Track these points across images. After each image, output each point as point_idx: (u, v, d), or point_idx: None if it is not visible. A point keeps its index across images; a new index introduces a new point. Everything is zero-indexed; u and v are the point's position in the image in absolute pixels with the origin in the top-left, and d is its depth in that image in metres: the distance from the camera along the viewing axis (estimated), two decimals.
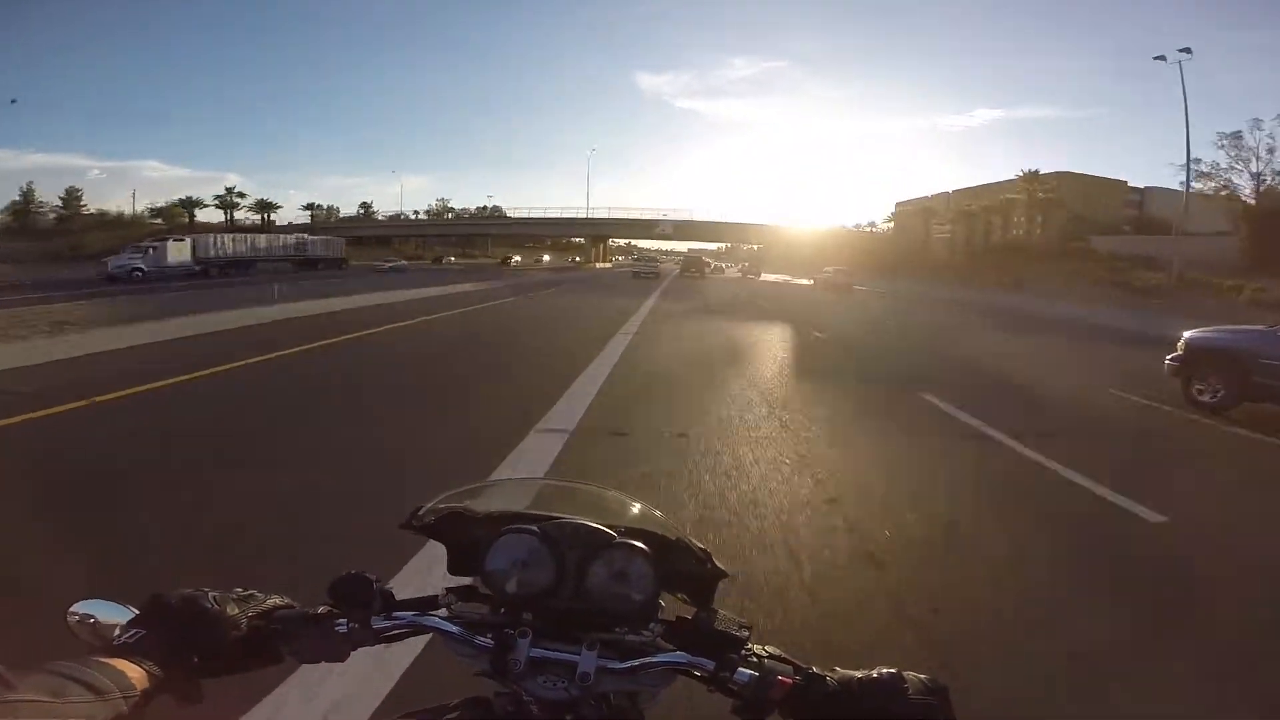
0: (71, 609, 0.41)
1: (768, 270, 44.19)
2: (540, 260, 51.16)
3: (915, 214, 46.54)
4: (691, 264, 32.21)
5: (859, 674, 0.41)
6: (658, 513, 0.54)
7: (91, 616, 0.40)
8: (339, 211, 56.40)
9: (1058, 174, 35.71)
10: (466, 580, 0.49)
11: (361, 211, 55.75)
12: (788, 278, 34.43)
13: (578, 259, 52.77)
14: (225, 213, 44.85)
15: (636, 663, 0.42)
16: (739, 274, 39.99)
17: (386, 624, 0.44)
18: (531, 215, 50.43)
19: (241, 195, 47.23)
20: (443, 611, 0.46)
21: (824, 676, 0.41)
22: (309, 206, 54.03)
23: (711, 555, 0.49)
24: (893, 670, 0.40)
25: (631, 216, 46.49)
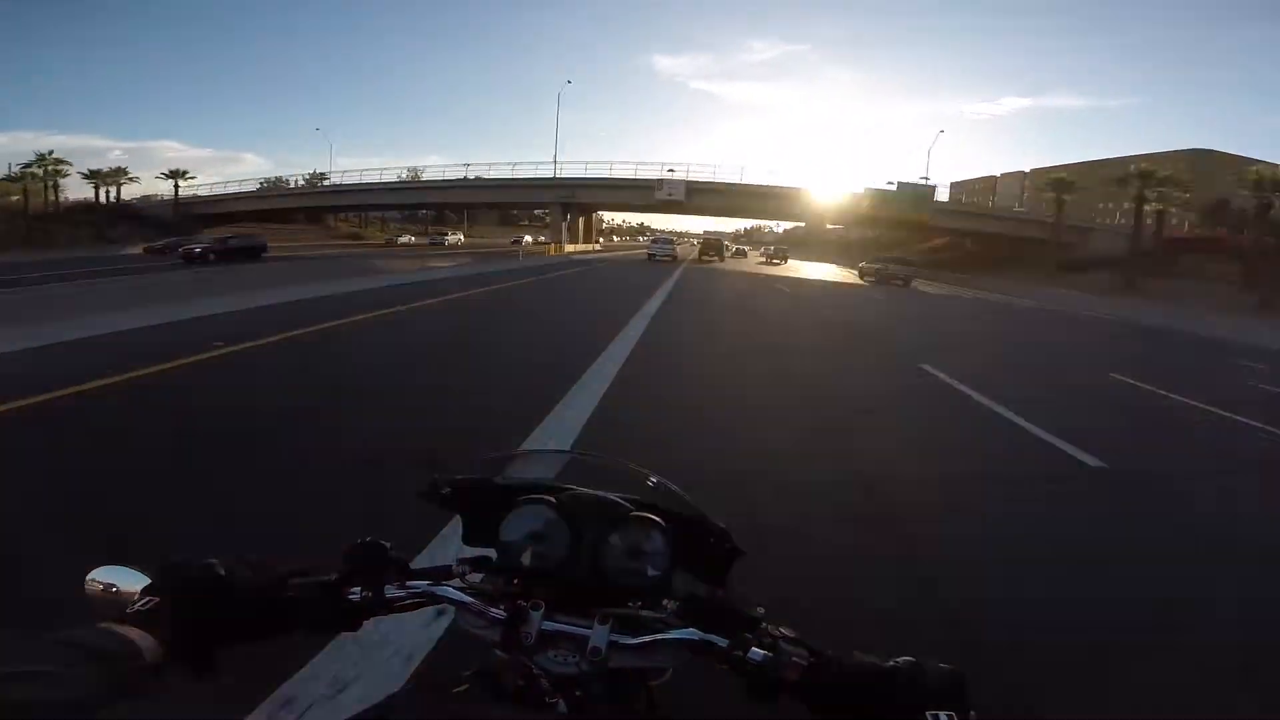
0: (89, 576, 0.43)
1: (798, 256, 40.42)
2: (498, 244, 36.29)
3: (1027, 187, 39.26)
4: (710, 247, 31.95)
5: (874, 659, 0.42)
6: (676, 488, 0.55)
7: (107, 583, 0.43)
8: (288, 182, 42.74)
9: (1194, 151, 29.04)
10: (482, 551, 0.51)
11: (302, 181, 40.55)
12: (825, 268, 30.80)
13: (526, 240, 36.35)
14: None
15: (649, 638, 0.44)
16: (763, 259, 36.06)
17: (400, 593, 0.46)
18: (472, 177, 34.65)
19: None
20: (456, 582, 0.48)
21: (839, 660, 0.43)
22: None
23: (730, 533, 0.51)
24: (910, 659, 0.42)
25: (618, 176, 32.44)
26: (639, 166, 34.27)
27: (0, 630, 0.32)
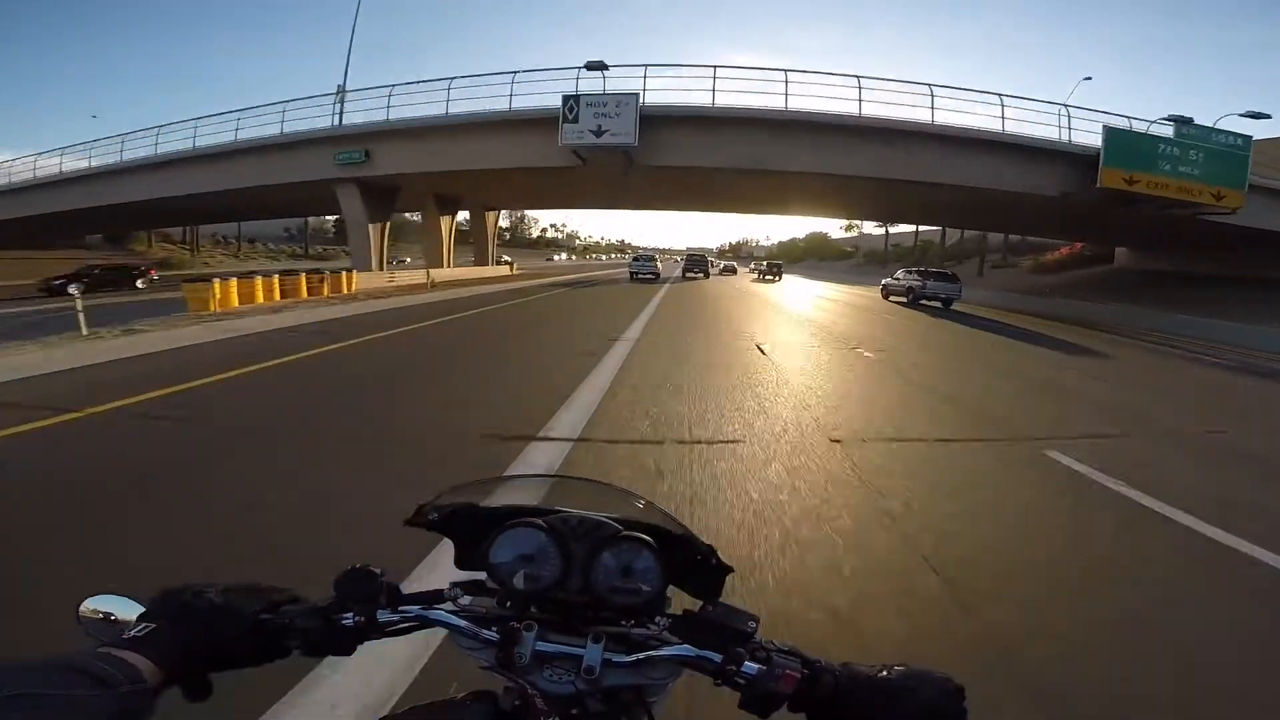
0: (82, 604, 0.48)
1: (795, 274, 39.36)
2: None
3: None
4: (694, 263, 33.24)
5: (869, 669, 0.47)
6: (662, 508, 0.61)
7: (102, 611, 0.47)
8: None
9: None
10: (474, 575, 0.56)
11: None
12: (826, 287, 26.31)
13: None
14: None
15: (642, 656, 0.49)
16: (755, 277, 34.86)
17: (393, 617, 0.51)
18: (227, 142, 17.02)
19: None
20: (449, 605, 0.52)
21: (833, 670, 0.47)
22: None
23: (715, 551, 0.56)
24: (903, 665, 0.46)
25: (467, 111, 15.66)
26: (518, 87, 17.15)
27: (1, 659, 0.35)
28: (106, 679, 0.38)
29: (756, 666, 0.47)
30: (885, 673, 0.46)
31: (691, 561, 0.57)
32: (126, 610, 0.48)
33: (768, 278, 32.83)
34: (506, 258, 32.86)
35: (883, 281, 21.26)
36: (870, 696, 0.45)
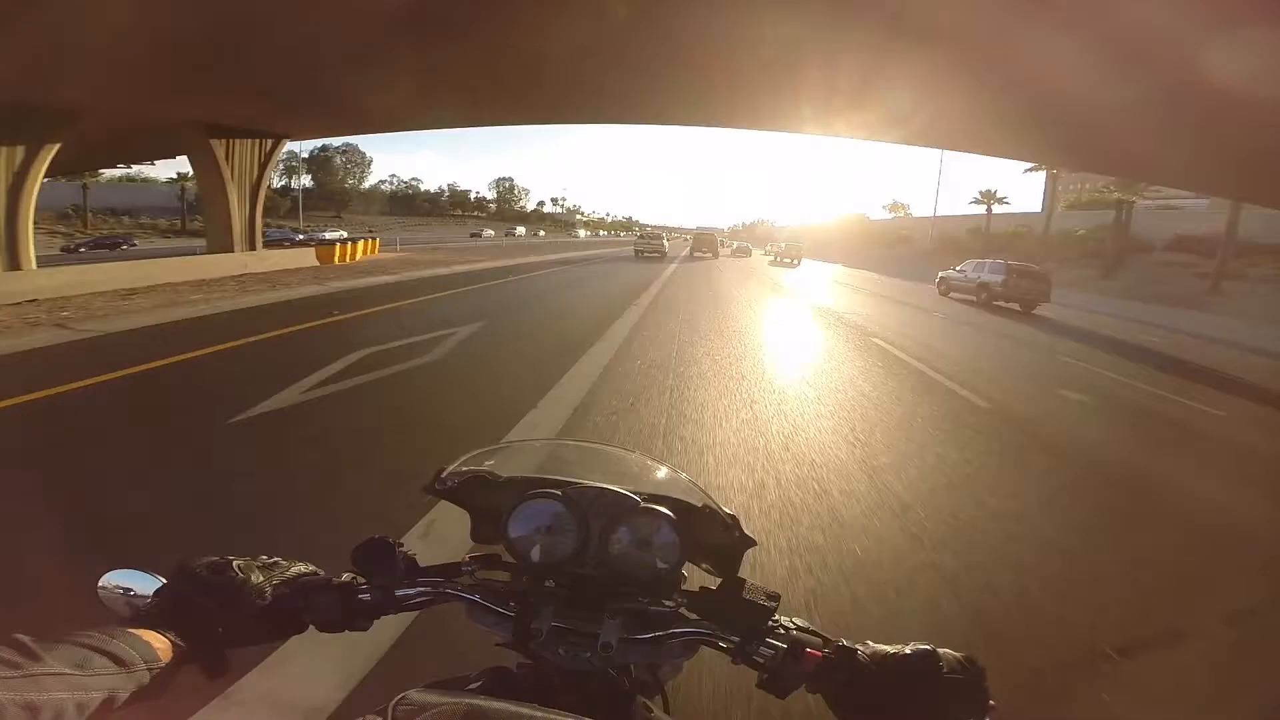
0: (102, 579, 0.50)
1: (816, 257, 36.51)
2: None
3: None
4: (703, 243, 32.97)
5: (891, 649, 0.48)
6: (684, 476, 0.63)
7: (121, 586, 0.50)
8: None
9: None
10: (489, 549, 0.58)
11: None
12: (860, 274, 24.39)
13: None
14: None
15: (660, 634, 0.51)
16: (773, 260, 33.25)
17: (410, 592, 0.54)
18: None
19: None
20: (466, 580, 0.55)
21: (854, 650, 0.48)
22: None
23: (739, 521, 0.58)
24: (927, 646, 0.47)
25: None
26: None
27: (22, 635, 0.38)
28: (125, 659, 0.41)
29: (776, 646, 0.49)
30: (908, 651, 0.48)
31: (711, 535, 0.59)
32: (145, 585, 0.50)
33: (786, 260, 31.91)
34: (343, 233, 29.05)
35: (940, 274, 17.77)
36: (892, 677, 0.47)
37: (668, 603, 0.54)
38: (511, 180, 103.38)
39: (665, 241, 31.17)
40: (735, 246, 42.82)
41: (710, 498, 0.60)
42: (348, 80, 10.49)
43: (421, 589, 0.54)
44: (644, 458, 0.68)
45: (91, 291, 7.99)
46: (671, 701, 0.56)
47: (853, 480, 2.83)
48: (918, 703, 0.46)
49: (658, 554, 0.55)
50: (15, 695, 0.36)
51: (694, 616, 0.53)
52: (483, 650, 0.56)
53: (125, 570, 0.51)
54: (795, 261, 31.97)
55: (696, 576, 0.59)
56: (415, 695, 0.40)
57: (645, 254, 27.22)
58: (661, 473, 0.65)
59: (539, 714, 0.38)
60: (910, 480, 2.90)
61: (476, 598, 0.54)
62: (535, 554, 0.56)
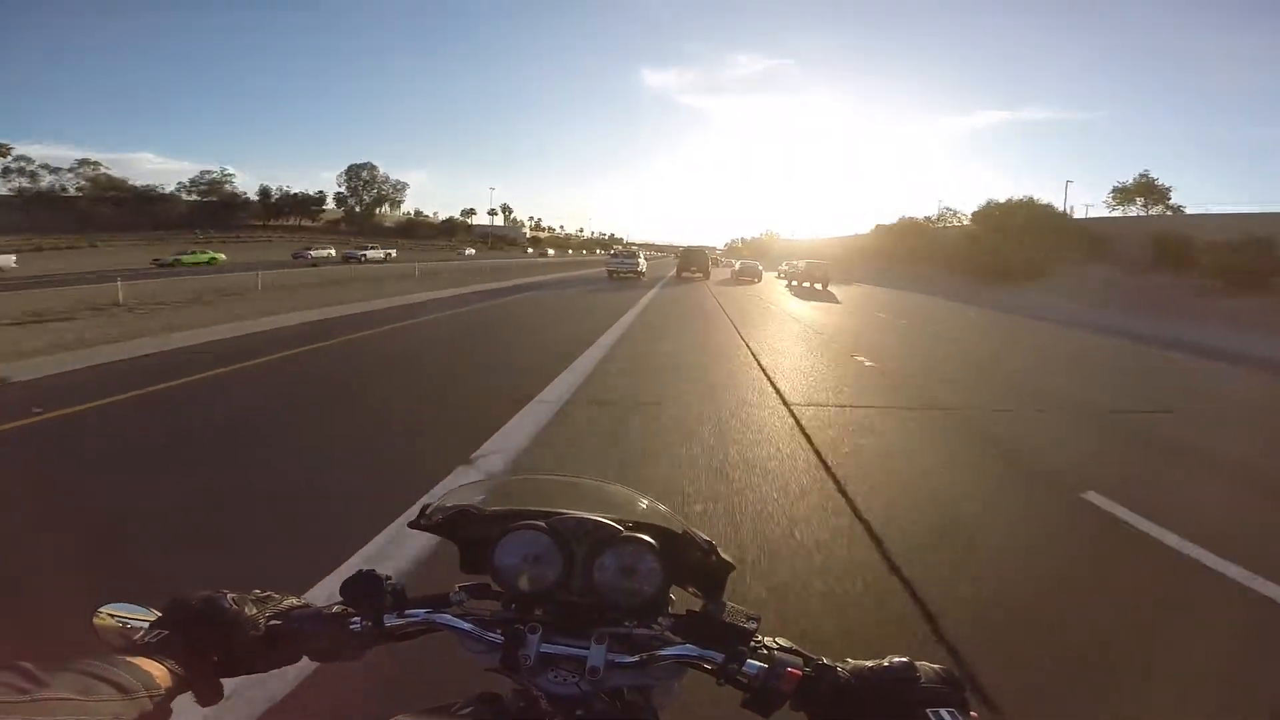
0: (98, 610, 0.62)
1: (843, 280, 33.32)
2: None
3: None
4: (692, 261, 33.37)
5: (870, 663, 0.61)
6: (662, 507, 0.77)
7: (117, 618, 0.62)
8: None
9: None
10: (478, 578, 0.72)
11: None
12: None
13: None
14: None
15: (645, 656, 0.63)
16: (788, 283, 31.86)
17: (399, 622, 0.66)
18: None
19: None
20: (455, 609, 0.68)
21: (834, 667, 0.61)
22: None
23: (717, 547, 0.72)
24: (904, 660, 0.60)
25: None
26: None
27: (25, 661, 0.47)
28: (126, 686, 0.51)
29: (758, 665, 0.62)
30: (886, 664, 0.60)
31: (692, 560, 0.73)
32: (140, 616, 0.62)
33: (808, 283, 29.95)
34: None
35: None
36: (871, 692, 0.59)
37: (653, 626, 0.68)
38: (372, 167, 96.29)
39: (642, 260, 31.99)
40: (739, 267, 37.12)
41: (688, 526, 0.74)
42: None
43: (410, 618, 0.67)
44: (625, 489, 0.82)
45: None
46: None
47: None
48: (900, 713, 0.57)
49: (642, 580, 0.69)
50: None
51: (679, 639, 0.66)
52: (472, 675, 0.69)
53: (121, 603, 0.63)
54: (822, 286, 29.64)
55: (685, 601, 0.72)
56: None
57: (620, 274, 28.70)
58: (643, 503, 0.79)
59: None
60: None
61: (466, 625, 0.67)
62: (522, 583, 0.69)
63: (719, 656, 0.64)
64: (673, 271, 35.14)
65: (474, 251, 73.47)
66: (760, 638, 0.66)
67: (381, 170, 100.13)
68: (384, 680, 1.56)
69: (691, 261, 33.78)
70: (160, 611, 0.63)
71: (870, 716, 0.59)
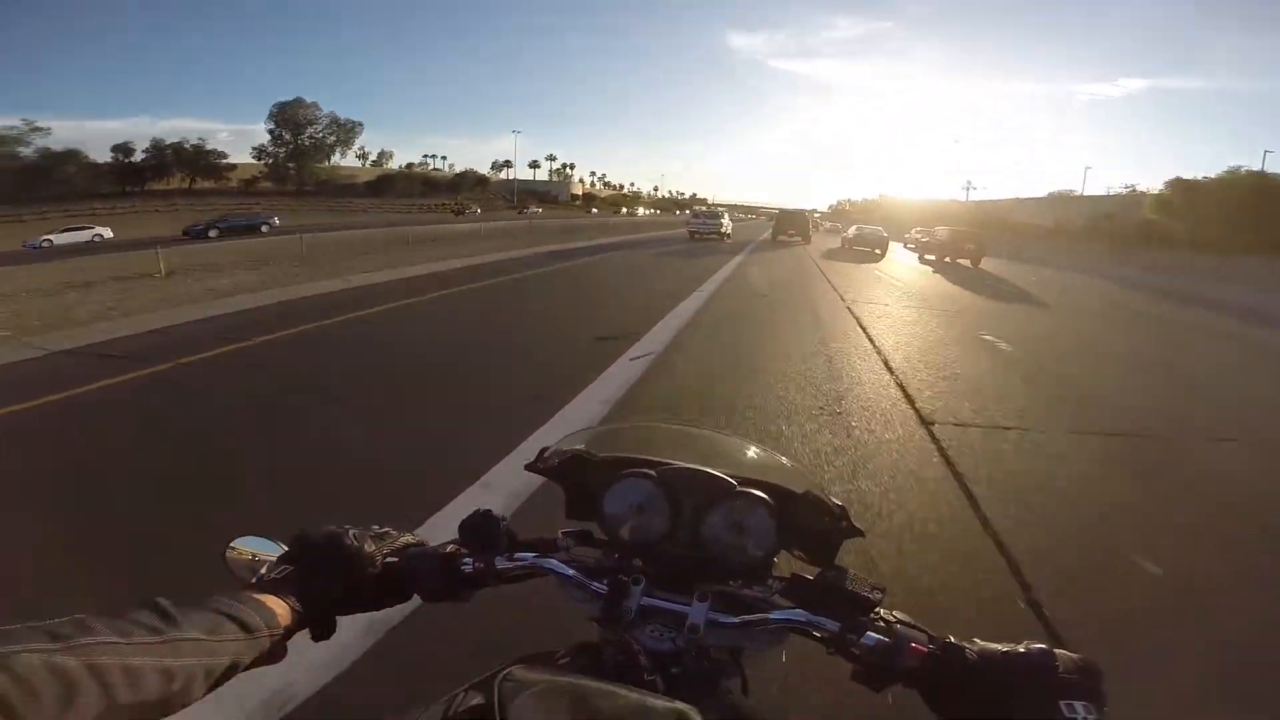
0: (230, 545, 0.75)
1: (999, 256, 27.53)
2: None
3: None
4: (790, 224, 31.94)
5: (1003, 647, 0.62)
6: (788, 462, 0.80)
7: (248, 552, 0.75)
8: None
9: None
10: (582, 525, 0.80)
11: None
12: None
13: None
14: None
15: (753, 618, 0.68)
16: (912, 252, 28.55)
17: (508, 565, 0.75)
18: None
19: None
20: (561, 554, 0.76)
21: (962, 647, 0.62)
22: None
23: (848, 512, 0.74)
24: (1042, 646, 0.60)
25: None
26: None
27: (162, 599, 0.56)
28: (250, 624, 0.60)
29: (877, 638, 0.64)
30: (1022, 650, 0.61)
31: (809, 521, 0.76)
32: (269, 551, 0.74)
33: (959, 261, 24.22)
34: None
35: None
36: (1000, 676, 0.60)
37: (759, 587, 0.72)
38: (313, 106, 76.76)
39: (726, 221, 31.17)
40: (854, 233, 30.18)
41: (817, 485, 0.78)
42: None
43: (519, 562, 0.76)
44: (746, 441, 0.87)
45: None
46: (752, 688, 0.73)
47: None
48: (1030, 702, 0.58)
49: (751, 538, 0.74)
50: (154, 660, 0.51)
51: (788, 603, 0.70)
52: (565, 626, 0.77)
53: (252, 537, 0.76)
54: (973, 263, 24.79)
55: (786, 564, 0.76)
56: (518, 672, 0.54)
57: (701, 236, 29.07)
58: (765, 457, 0.84)
59: (634, 695, 0.52)
60: None
61: (571, 572, 0.75)
62: (627, 532, 0.76)
63: (834, 625, 0.67)
64: (765, 235, 34.18)
65: (540, 210, 71.80)
66: (879, 610, 0.69)
67: (325, 110, 78.91)
68: (480, 628, 1.78)
69: (789, 224, 32.67)
70: (285, 546, 0.74)
71: (996, 703, 0.60)
